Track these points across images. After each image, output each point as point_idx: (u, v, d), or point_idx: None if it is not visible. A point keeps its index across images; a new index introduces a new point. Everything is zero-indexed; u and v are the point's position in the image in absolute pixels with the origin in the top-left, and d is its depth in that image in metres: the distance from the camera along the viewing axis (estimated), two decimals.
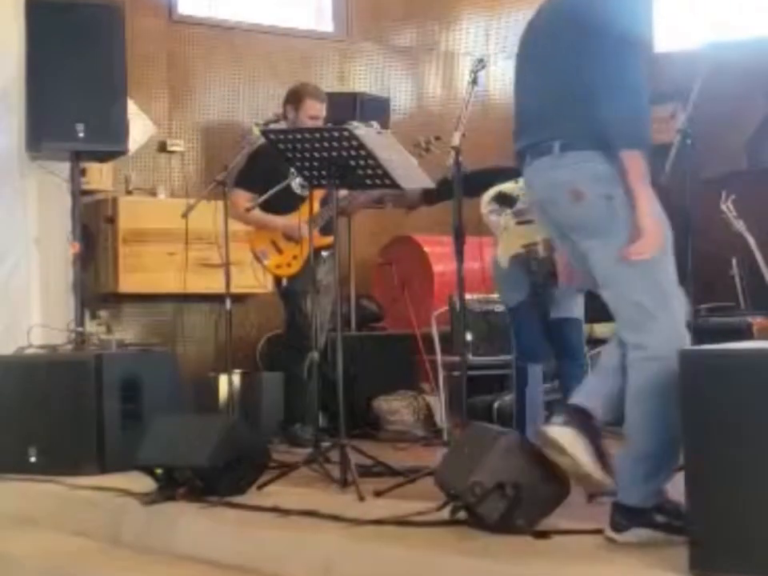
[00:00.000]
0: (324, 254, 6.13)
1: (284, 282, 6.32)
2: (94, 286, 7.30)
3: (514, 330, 5.67)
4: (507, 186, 5.60)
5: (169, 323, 7.75)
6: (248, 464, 4.52)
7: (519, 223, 5.53)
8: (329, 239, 5.97)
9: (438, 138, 5.88)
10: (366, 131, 4.78)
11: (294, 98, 6.35)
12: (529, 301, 5.59)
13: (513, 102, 3.64)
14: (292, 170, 5.85)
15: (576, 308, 5.66)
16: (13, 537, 4.78)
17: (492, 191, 5.50)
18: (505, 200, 5.57)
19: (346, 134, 4.67)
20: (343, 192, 5.83)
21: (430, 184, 4.89)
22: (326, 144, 4.72)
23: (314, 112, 6.29)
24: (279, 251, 6.32)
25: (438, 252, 7.89)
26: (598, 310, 7.16)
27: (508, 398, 6.92)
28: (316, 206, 5.91)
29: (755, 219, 6.84)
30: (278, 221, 6.30)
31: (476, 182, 5.42)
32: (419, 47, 9.13)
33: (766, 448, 2.76)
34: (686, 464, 2.89)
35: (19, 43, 6.28)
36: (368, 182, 4.86)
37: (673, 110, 8.82)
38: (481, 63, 5.09)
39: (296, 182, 6.19)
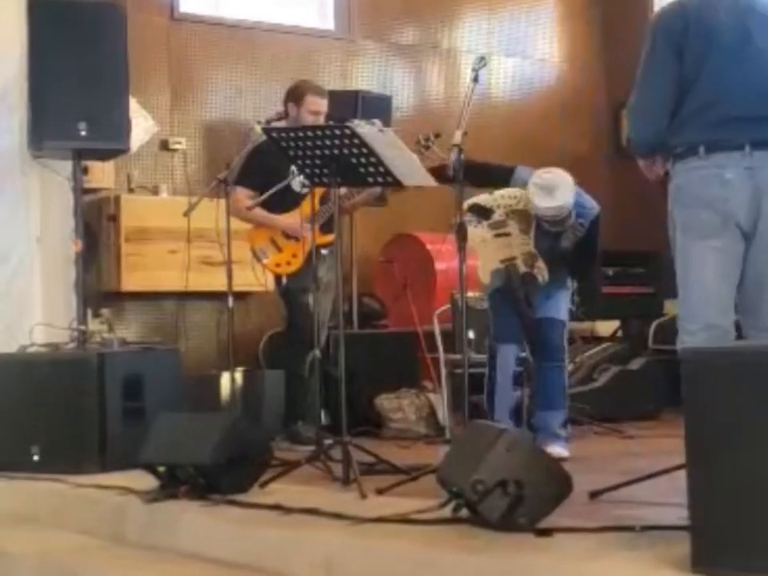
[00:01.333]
0: (324, 251, 6.13)
1: (284, 280, 6.32)
2: (97, 285, 7.31)
3: (492, 315, 5.75)
4: (483, 198, 5.60)
5: (171, 321, 7.76)
6: (250, 462, 4.51)
7: (497, 236, 5.56)
8: (329, 237, 5.97)
9: (437, 136, 5.88)
10: (368, 129, 4.78)
11: (295, 94, 6.35)
12: (504, 287, 5.62)
13: (709, 91, 3.85)
14: (292, 168, 5.86)
15: (560, 309, 5.66)
16: (15, 535, 4.78)
17: (468, 202, 5.48)
18: (481, 212, 5.56)
19: (347, 132, 4.66)
20: (342, 189, 5.83)
21: (432, 182, 4.89)
22: (327, 142, 4.72)
23: (316, 107, 6.29)
24: (279, 249, 6.31)
25: (440, 250, 7.89)
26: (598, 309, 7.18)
27: None
28: (316, 204, 5.92)
29: None
30: (279, 219, 6.30)
31: (475, 172, 5.40)
32: (421, 45, 9.13)
33: None
34: (689, 461, 2.89)
35: (21, 42, 6.27)
36: (370, 179, 4.86)
37: None
38: (482, 61, 5.10)
39: (296, 181, 6.18)
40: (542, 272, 5.53)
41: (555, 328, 5.65)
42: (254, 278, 6.29)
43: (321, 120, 6.27)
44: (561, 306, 5.68)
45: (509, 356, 5.69)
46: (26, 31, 6.23)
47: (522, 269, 5.56)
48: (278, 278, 6.40)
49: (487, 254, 5.61)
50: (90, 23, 6.22)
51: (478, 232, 5.52)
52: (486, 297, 5.83)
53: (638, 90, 4.05)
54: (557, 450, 5.44)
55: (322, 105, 6.34)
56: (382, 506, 4.00)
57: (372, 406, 6.94)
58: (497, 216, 5.53)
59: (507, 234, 5.57)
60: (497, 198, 5.56)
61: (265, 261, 6.33)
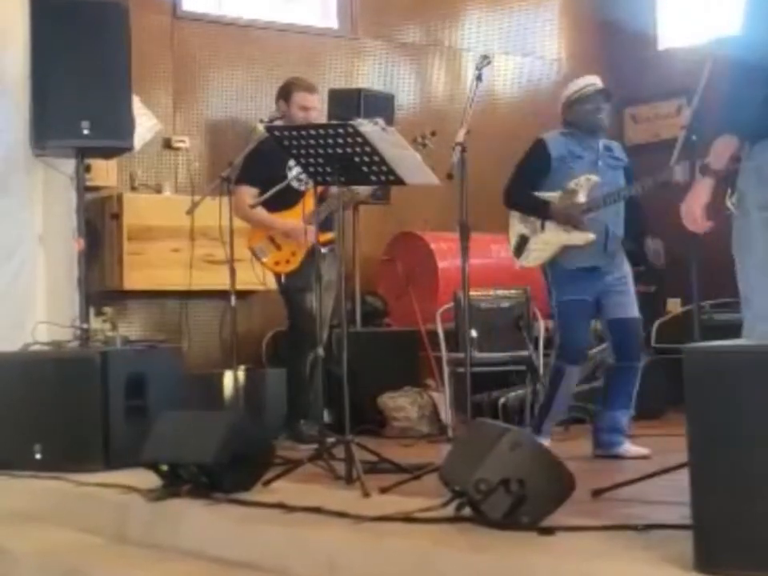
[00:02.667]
0: (323, 250, 6.10)
1: (283, 278, 6.32)
2: (99, 283, 7.31)
3: (560, 327, 5.61)
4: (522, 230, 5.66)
5: (173, 320, 7.75)
6: (253, 460, 4.51)
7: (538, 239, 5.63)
8: (328, 235, 5.97)
9: (433, 134, 5.87)
10: (370, 128, 4.78)
11: (284, 91, 6.38)
12: (585, 299, 5.56)
13: None
14: (289, 164, 5.85)
15: (633, 306, 5.56)
16: (18, 533, 4.78)
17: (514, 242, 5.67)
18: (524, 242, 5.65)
19: (350, 130, 4.66)
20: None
21: (435, 180, 4.88)
22: (330, 140, 4.72)
23: (305, 103, 6.29)
24: (277, 248, 6.31)
25: (443, 248, 7.89)
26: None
27: (513, 394, 6.94)
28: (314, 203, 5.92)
29: None
30: (282, 223, 6.27)
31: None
32: (424, 44, 9.14)
33: None
34: (691, 461, 2.89)
35: (24, 40, 6.29)
36: (373, 178, 4.86)
37: (678, 106, 8.82)
38: (486, 60, 5.11)
39: (292, 175, 6.18)
40: (581, 188, 5.53)
41: (631, 328, 5.54)
42: (254, 276, 6.29)
43: (312, 115, 6.28)
44: (633, 301, 5.58)
45: (574, 378, 5.67)
46: (29, 29, 6.24)
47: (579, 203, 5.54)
48: (278, 276, 6.39)
49: (550, 241, 5.61)
50: (92, 21, 6.22)
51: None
52: (554, 304, 5.67)
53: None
54: (634, 448, 5.44)
55: (311, 100, 6.34)
56: (385, 504, 4.00)
57: (374, 404, 6.94)
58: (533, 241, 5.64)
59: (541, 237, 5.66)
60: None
61: (264, 259, 6.32)
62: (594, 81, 5.72)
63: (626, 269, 5.63)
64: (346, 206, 6.59)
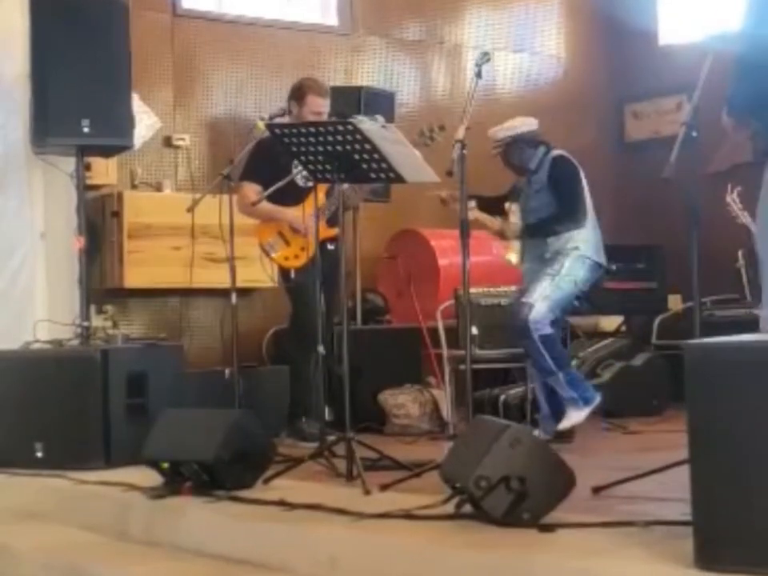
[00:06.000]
0: (329, 246, 6.12)
1: (292, 274, 6.32)
2: (100, 281, 7.31)
3: None
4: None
5: (174, 318, 7.76)
6: (254, 458, 4.52)
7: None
8: (335, 231, 5.97)
9: (441, 128, 5.87)
10: (370, 125, 4.78)
11: (297, 94, 6.36)
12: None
13: None
14: (295, 162, 5.84)
15: (533, 293, 5.82)
16: (19, 531, 4.79)
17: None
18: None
19: (350, 128, 4.66)
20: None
21: (435, 178, 4.88)
22: (330, 138, 4.72)
23: (317, 108, 6.29)
24: (287, 243, 6.31)
25: (444, 246, 7.89)
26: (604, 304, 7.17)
27: (513, 391, 6.94)
28: (321, 198, 5.90)
29: None
30: (286, 213, 6.29)
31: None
32: (424, 41, 9.13)
33: None
34: (692, 457, 2.89)
35: (24, 38, 6.28)
36: (373, 176, 4.86)
37: (678, 102, 8.82)
38: (485, 56, 5.10)
39: (297, 173, 6.18)
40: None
41: (520, 310, 5.80)
42: (263, 273, 6.30)
43: (323, 119, 6.27)
44: (536, 288, 5.81)
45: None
46: (29, 27, 6.23)
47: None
48: (284, 272, 6.40)
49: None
50: (93, 19, 6.21)
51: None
52: None
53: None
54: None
55: (324, 105, 6.34)
56: (386, 501, 4.01)
57: (375, 401, 6.94)
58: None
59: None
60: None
61: (273, 255, 6.32)
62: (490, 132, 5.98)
63: (546, 263, 5.85)
64: (350, 205, 6.58)
